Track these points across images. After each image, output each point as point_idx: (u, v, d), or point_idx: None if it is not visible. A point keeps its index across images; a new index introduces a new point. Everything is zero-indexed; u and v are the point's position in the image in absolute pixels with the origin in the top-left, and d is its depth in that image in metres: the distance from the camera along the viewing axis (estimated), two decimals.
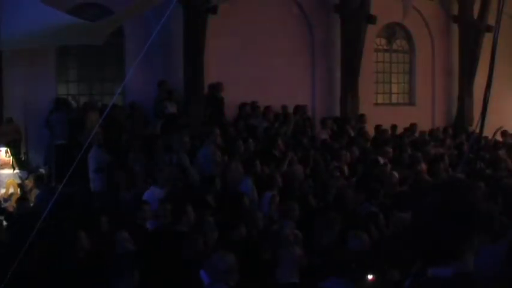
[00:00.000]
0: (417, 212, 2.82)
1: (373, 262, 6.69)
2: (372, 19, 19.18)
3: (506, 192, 11.08)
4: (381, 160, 14.39)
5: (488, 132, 15.15)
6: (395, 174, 12.72)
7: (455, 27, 21.77)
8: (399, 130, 18.36)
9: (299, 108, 17.59)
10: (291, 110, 17.39)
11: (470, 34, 21.17)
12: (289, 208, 9.67)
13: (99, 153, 12.83)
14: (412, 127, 18.51)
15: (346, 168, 13.71)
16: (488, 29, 20.04)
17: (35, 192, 12.88)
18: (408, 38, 21.63)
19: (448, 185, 2.86)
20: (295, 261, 6.95)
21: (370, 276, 6.25)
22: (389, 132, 18.07)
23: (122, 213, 10.37)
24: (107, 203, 10.98)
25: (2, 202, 12.85)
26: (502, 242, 6.28)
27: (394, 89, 21.73)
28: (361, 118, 18.54)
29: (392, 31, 21.32)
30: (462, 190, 2.74)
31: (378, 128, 17.91)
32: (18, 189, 13.60)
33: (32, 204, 12.19)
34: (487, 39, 19.65)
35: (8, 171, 14.14)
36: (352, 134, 17.15)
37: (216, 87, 16.60)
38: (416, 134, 18.43)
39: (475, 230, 2.69)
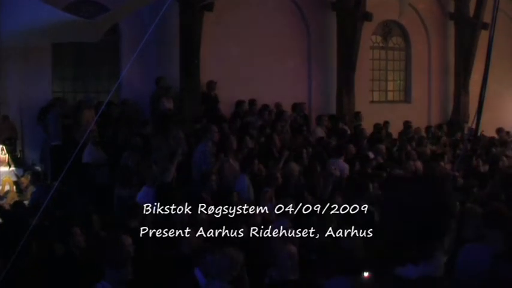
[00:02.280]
0: (387, 208, 2.71)
1: (367, 259, 6.68)
2: (367, 16, 19.19)
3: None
4: (371, 155, 14.41)
5: (484, 130, 15.23)
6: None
7: (451, 25, 21.80)
8: (394, 127, 18.35)
9: (297, 106, 17.58)
10: (286, 107, 17.36)
11: (466, 31, 21.20)
12: (285, 205, 9.65)
13: (94, 151, 12.82)
14: (407, 125, 18.50)
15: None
16: (484, 26, 20.08)
17: (31, 189, 12.87)
18: (404, 35, 21.63)
19: (420, 180, 2.75)
20: (293, 259, 6.93)
21: (366, 274, 6.24)
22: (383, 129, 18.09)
23: (116, 211, 10.38)
24: (101, 201, 10.96)
25: None
26: (490, 241, 6.29)
27: (390, 86, 21.73)
28: (357, 115, 18.55)
29: (388, 28, 21.33)
30: (435, 186, 2.66)
31: (376, 126, 17.95)
32: (14, 187, 13.58)
33: (27, 201, 12.20)
34: (483, 36, 19.69)
35: (4, 168, 14.11)
36: (348, 131, 17.15)
37: (209, 85, 16.62)
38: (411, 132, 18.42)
39: (448, 229, 2.61)
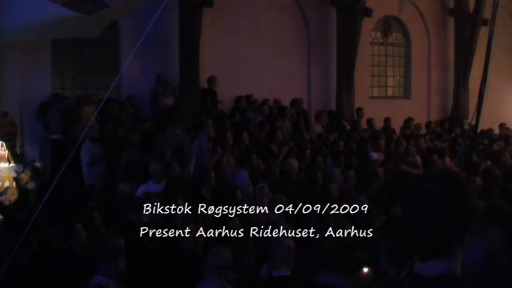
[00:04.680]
0: (408, 205, 2.71)
1: (366, 255, 6.68)
2: (367, 12, 19.18)
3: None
4: (374, 156, 14.38)
5: (483, 126, 15.22)
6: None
7: (451, 21, 21.78)
8: (394, 123, 18.33)
9: (295, 101, 17.57)
10: (286, 103, 17.34)
11: (466, 27, 21.18)
12: (278, 201, 9.67)
13: (92, 147, 12.81)
14: (409, 122, 18.45)
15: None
16: (484, 22, 20.05)
17: (31, 185, 12.86)
18: (404, 31, 21.63)
19: (443, 177, 2.75)
20: (290, 253, 6.88)
21: (365, 269, 6.24)
22: (383, 125, 18.07)
23: (115, 207, 10.38)
24: (100, 196, 10.96)
25: None
26: (490, 239, 6.30)
27: (390, 82, 21.73)
28: (359, 111, 18.55)
29: (388, 24, 21.31)
30: (458, 183, 2.65)
31: (370, 121, 17.91)
32: (14, 183, 13.57)
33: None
34: (483, 32, 19.66)
35: (4, 164, 14.10)
36: (348, 127, 17.15)
37: (210, 80, 16.62)
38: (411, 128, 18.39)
39: (469, 226, 2.61)
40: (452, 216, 2.56)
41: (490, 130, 18.47)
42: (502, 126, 19.49)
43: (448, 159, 14.77)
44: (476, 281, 5.80)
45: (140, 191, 10.65)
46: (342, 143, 14.55)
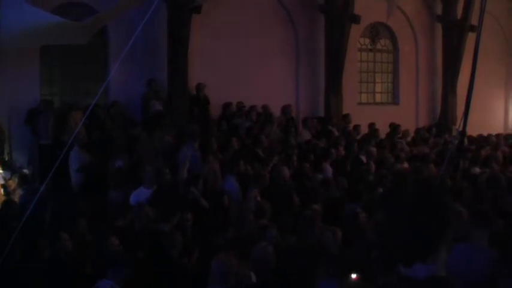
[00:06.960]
0: (392, 210, 2.77)
1: (356, 262, 6.70)
2: (356, 19, 19.23)
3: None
4: (364, 159, 14.43)
5: (471, 132, 15.29)
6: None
7: (438, 27, 21.89)
8: (382, 129, 18.34)
9: (284, 108, 17.58)
10: (273, 109, 17.36)
11: (454, 33, 21.29)
12: (262, 207, 9.70)
13: (80, 153, 12.77)
14: (394, 127, 18.45)
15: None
16: (472, 28, 20.15)
17: (19, 192, 12.80)
18: (392, 37, 21.71)
19: (422, 184, 2.81)
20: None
21: (353, 276, 6.25)
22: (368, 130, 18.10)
23: (105, 213, 10.35)
24: (88, 203, 10.92)
25: None
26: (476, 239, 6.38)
27: (378, 88, 21.80)
28: (346, 118, 18.56)
29: (376, 31, 21.39)
30: (436, 189, 2.71)
31: (356, 127, 17.88)
32: (2, 190, 13.50)
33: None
34: (471, 38, 19.75)
35: None
36: (336, 133, 17.16)
37: (198, 87, 16.66)
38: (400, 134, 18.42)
39: (449, 228, 2.67)
40: (428, 223, 2.61)
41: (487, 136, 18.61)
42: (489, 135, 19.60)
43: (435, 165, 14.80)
44: (482, 284, 5.88)
45: (133, 198, 10.61)
46: (333, 150, 14.52)
